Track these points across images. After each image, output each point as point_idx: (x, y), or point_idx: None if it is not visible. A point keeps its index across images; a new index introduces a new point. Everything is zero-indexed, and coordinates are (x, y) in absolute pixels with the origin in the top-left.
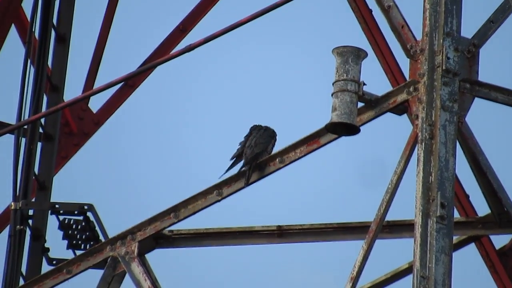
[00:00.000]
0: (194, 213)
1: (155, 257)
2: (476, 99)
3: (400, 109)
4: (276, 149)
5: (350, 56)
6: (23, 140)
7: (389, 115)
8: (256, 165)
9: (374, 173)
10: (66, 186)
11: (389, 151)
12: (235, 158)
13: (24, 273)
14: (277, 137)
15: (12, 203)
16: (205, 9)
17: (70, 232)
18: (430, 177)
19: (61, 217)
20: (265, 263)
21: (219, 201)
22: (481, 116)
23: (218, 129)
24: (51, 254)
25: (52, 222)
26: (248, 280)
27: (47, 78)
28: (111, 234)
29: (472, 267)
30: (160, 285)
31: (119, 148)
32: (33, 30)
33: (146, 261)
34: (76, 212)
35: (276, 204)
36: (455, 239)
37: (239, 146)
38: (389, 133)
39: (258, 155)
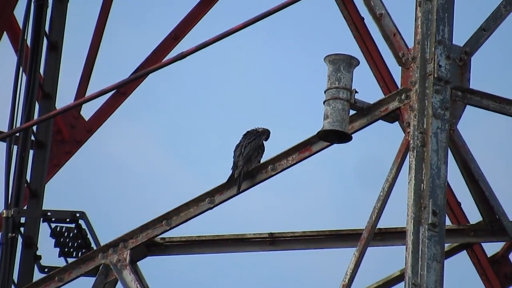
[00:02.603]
0: (186, 220)
1: (147, 265)
2: (468, 106)
3: (392, 116)
4: (268, 156)
5: (342, 64)
6: (15, 147)
7: (381, 122)
8: (247, 172)
9: (366, 181)
10: (58, 194)
11: (381, 158)
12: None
13: (16, 281)
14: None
15: (4, 211)
16: (197, 17)
17: (62, 239)
18: (422, 184)
19: (53, 225)
20: (256, 271)
21: (211, 208)
22: (473, 123)
23: (210, 136)
24: (43, 262)
25: (44, 229)
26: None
27: (39, 86)
28: (103, 241)
29: (464, 275)
30: None
31: (111, 155)
32: (25, 38)
33: (138, 268)
34: (68, 220)
35: (268, 212)
36: (447, 246)
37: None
38: (381, 140)
39: (247, 155)
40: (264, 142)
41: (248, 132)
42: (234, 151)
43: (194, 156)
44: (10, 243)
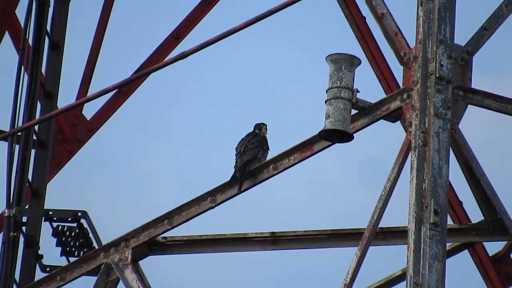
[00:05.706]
0: (188, 219)
1: (148, 264)
2: (470, 106)
3: (394, 116)
4: (270, 156)
5: (344, 63)
6: (17, 147)
7: (382, 122)
8: (249, 172)
9: (368, 180)
10: (59, 193)
11: (382, 158)
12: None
13: (17, 280)
14: (267, 142)
15: (6, 210)
16: (199, 16)
17: (63, 239)
18: (424, 184)
19: (54, 224)
20: (258, 270)
21: (212, 207)
22: (474, 123)
23: (212, 135)
24: (45, 261)
25: (46, 229)
26: (241, 287)
27: (40, 85)
28: (105, 241)
29: (466, 274)
30: None
31: (113, 155)
32: (27, 37)
33: (140, 268)
34: (69, 219)
35: (270, 211)
36: (449, 245)
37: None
38: (382, 140)
39: (247, 163)
40: (267, 139)
41: (251, 133)
42: (236, 149)
43: (196, 154)
44: (12, 242)
